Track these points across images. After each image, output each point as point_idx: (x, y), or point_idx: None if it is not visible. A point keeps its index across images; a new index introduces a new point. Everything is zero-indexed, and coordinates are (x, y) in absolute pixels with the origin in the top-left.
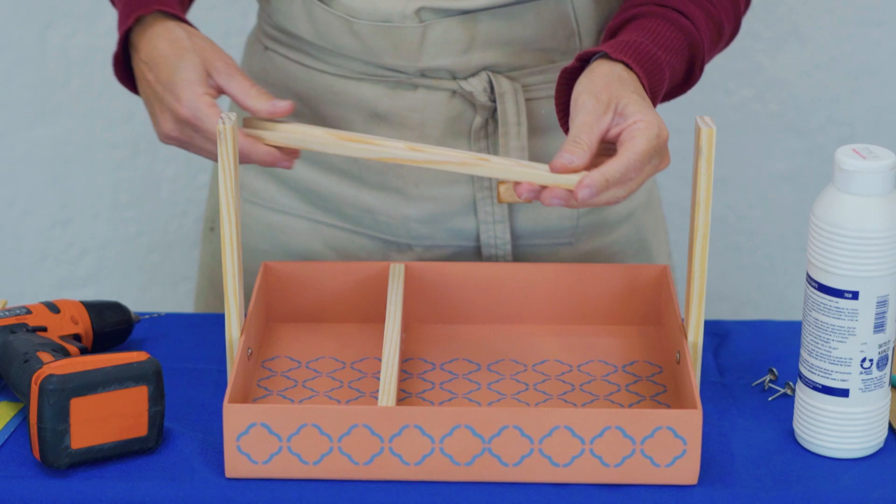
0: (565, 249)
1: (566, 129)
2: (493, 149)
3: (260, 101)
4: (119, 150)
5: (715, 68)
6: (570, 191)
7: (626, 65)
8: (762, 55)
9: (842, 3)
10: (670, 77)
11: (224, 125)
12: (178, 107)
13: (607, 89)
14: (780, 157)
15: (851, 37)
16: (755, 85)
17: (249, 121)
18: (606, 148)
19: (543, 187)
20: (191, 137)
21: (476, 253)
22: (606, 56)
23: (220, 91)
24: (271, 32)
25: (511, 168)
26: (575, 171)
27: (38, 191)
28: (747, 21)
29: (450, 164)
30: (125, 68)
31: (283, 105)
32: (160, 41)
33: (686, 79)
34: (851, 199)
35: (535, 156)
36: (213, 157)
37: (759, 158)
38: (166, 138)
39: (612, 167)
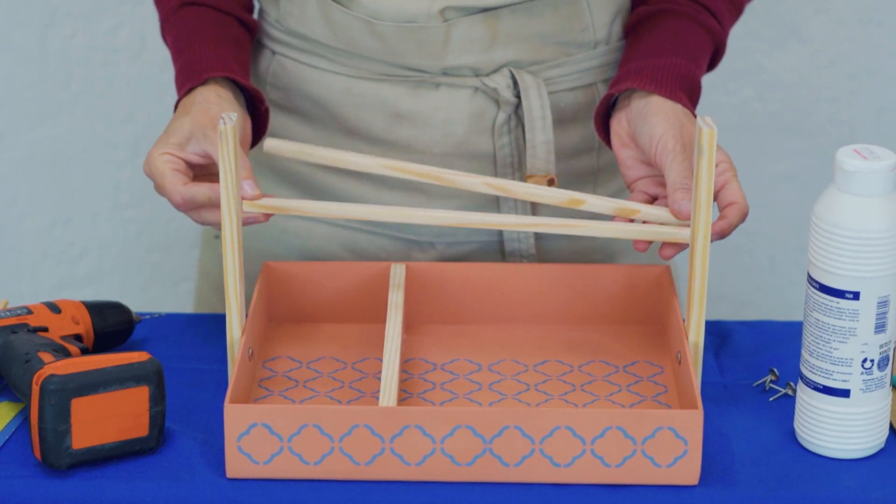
0: (587, 238)
1: (607, 142)
2: (516, 143)
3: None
4: (119, 150)
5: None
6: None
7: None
8: (762, 55)
9: (842, 3)
10: None
11: (224, 125)
12: (144, 164)
13: (685, 132)
14: (780, 157)
15: (851, 37)
16: (755, 85)
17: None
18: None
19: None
20: (160, 189)
21: (499, 247)
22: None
23: (204, 157)
24: (280, 37)
25: (614, 227)
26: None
27: (38, 191)
28: (747, 21)
29: (548, 227)
30: None
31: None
32: (184, 100)
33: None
34: (852, 200)
35: (559, 146)
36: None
37: (759, 158)
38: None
39: (733, 222)
